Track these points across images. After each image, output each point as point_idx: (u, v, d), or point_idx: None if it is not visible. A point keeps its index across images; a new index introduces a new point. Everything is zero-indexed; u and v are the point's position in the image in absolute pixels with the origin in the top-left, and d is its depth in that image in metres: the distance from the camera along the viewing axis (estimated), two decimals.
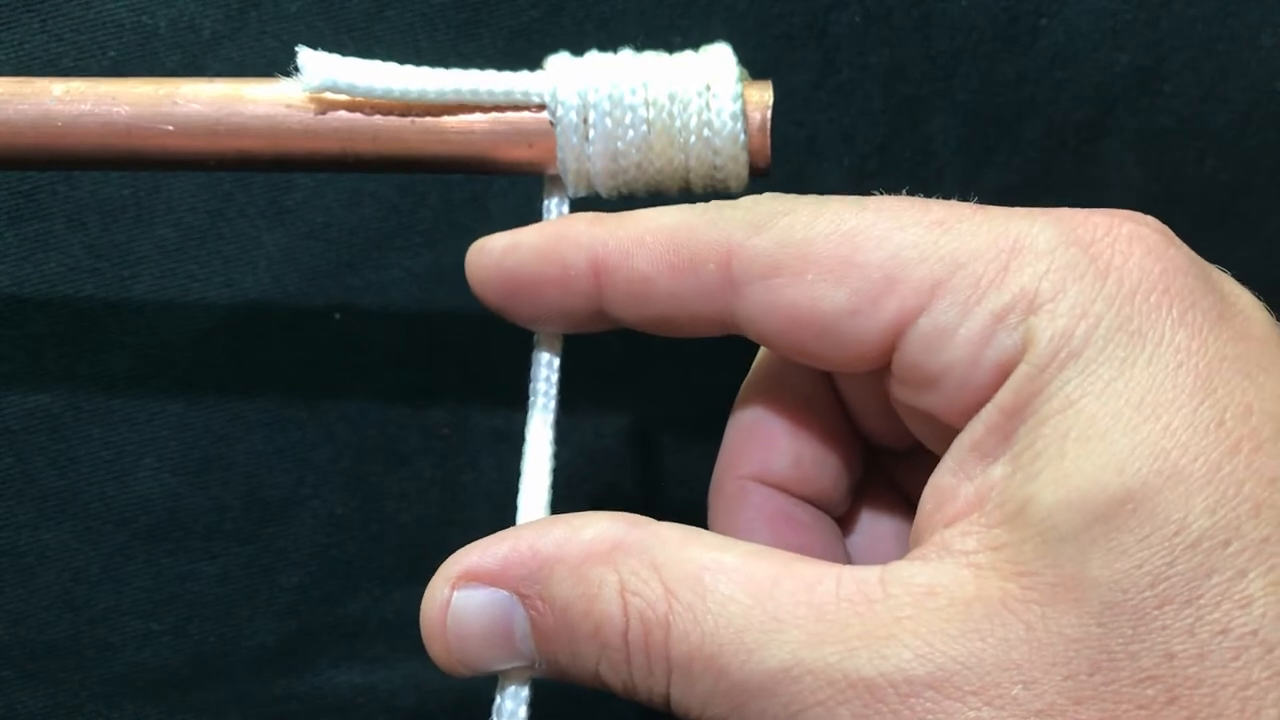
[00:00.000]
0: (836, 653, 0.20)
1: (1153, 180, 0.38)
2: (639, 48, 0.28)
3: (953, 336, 0.22)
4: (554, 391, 0.28)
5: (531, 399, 0.27)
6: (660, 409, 0.41)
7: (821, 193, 0.37)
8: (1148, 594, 0.19)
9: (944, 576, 0.21)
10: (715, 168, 0.27)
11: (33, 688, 0.41)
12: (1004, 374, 0.22)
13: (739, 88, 0.26)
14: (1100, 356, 0.21)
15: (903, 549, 0.28)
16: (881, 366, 0.24)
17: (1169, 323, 0.21)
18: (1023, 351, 0.22)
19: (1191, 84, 0.38)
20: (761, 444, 0.28)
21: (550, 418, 0.27)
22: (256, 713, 0.43)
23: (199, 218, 0.37)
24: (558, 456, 0.27)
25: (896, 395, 0.25)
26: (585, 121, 0.26)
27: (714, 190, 0.27)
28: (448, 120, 0.27)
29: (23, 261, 0.37)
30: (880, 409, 0.27)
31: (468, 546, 0.24)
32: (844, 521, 0.30)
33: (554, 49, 0.29)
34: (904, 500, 0.30)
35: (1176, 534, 0.19)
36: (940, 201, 0.24)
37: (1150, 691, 0.19)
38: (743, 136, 0.26)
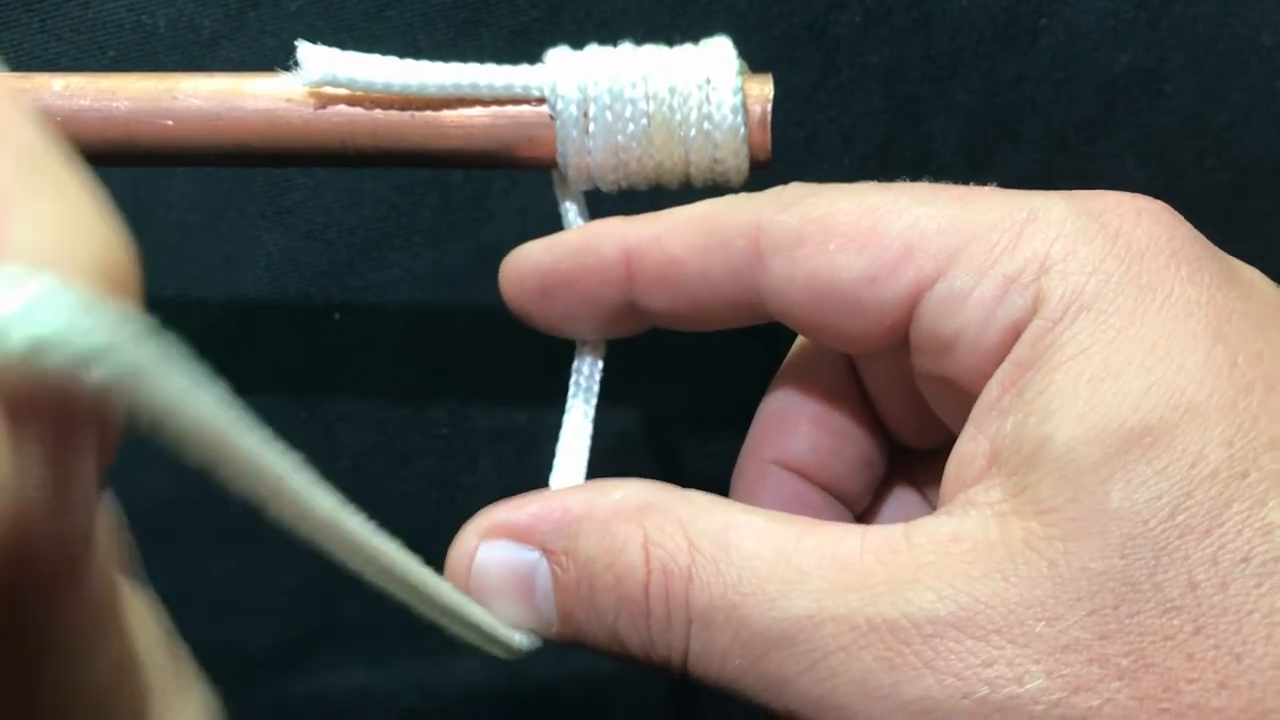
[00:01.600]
0: (860, 599, 0.20)
1: (1153, 180, 0.38)
2: (639, 41, 0.28)
3: (966, 300, 0.23)
4: (594, 398, 0.28)
5: (571, 401, 0.28)
6: (674, 408, 0.41)
7: None
8: (1168, 524, 0.19)
9: (968, 525, 0.21)
10: (716, 161, 0.27)
11: None
12: (1017, 333, 0.22)
13: (739, 81, 0.26)
14: (1111, 308, 0.21)
15: None
16: (899, 342, 0.24)
17: (1178, 280, 0.22)
18: (1035, 310, 0.22)
19: (1191, 84, 0.38)
20: (785, 430, 0.29)
21: (589, 425, 0.28)
22: (257, 713, 0.43)
23: (199, 218, 0.37)
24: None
25: (916, 365, 0.25)
26: (585, 115, 0.26)
27: (714, 183, 0.27)
28: (447, 114, 0.27)
29: None
30: (904, 402, 0.27)
31: (499, 502, 0.25)
32: (863, 519, 0.30)
33: (554, 48, 0.29)
34: (927, 504, 0.30)
35: (1194, 465, 0.20)
36: (961, 186, 0.24)
37: (1175, 621, 0.19)
38: (743, 130, 0.26)
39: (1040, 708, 0.19)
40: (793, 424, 0.28)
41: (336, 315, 0.39)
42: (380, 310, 0.40)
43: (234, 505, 0.43)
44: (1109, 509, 0.20)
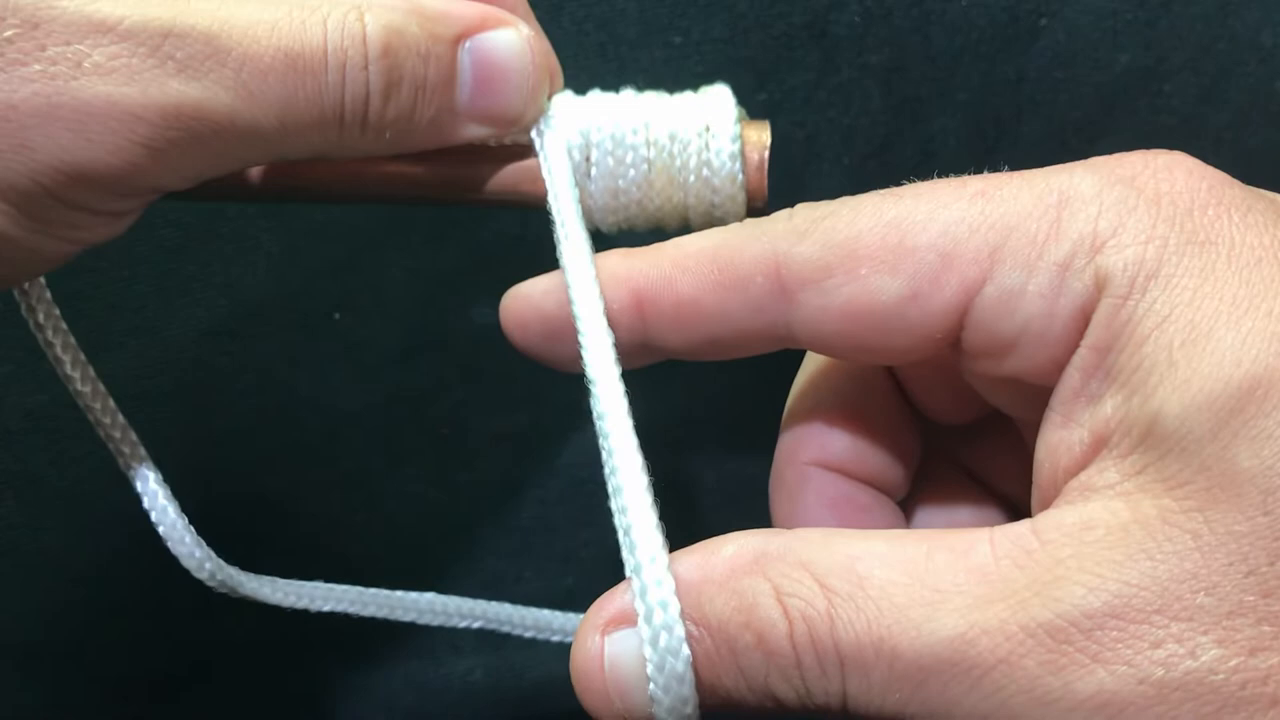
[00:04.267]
0: (1008, 607, 0.20)
1: None
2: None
3: (1022, 296, 0.22)
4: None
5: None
6: (674, 411, 0.41)
7: (821, 192, 0.37)
8: None
9: (1095, 511, 0.21)
10: (714, 205, 0.27)
11: (33, 687, 0.41)
12: (1085, 317, 0.22)
13: (737, 128, 0.27)
14: (1179, 271, 0.21)
15: (974, 522, 0.28)
16: (948, 349, 0.24)
17: (1234, 228, 0.21)
18: (1099, 290, 0.22)
19: (1191, 84, 0.38)
20: (819, 429, 0.28)
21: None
22: (257, 713, 0.43)
23: (199, 218, 0.37)
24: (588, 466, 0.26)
25: (973, 369, 0.24)
26: (588, 159, 0.27)
27: (712, 226, 0.28)
28: (451, 153, 0.27)
29: None
30: (940, 385, 0.27)
31: (604, 594, 0.23)
32: (907, 505, 0.29)
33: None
34: (968, 479, 0.30)
35: None
36: (973, 176, 0.24)
37: None
38: (740, 176, 0.27)
39: (1220, 677, 0.19)
40: (827, 424, 0.28)
41: (336, 315, 0.39)
42: (380, 310, 0.40)
43: (234, 505, 0.43)
44: (1240, 470, 0.19)
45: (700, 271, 0.24)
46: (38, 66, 0.22)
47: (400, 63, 0.25)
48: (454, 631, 0.39)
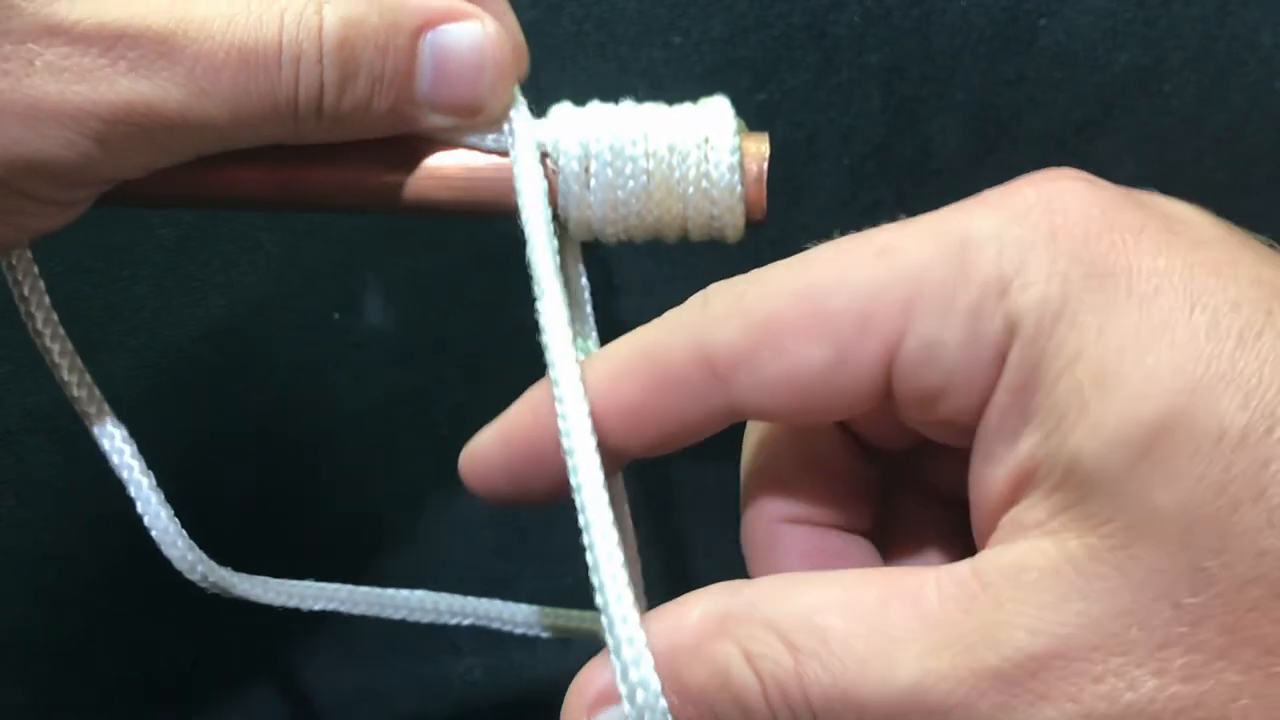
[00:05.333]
0: (958, 653, 0.21)
1: (1152, 180, 0.38)
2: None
3: (941, 346, 0.23)
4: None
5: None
6: None
7: (821, 192, 0.37)
8: (1218, 504, 0.20)
9: (1028, 552, 0.21)
10: (713, 217, 0.27)
11: (33, 687, 0.41)
12: (1002, 360, 0.22)
13: (736, 141, 0.27)
14: (1082, 308, 0.21)
15: (942, 538, 0.29)
16: (884, 401, 0.24)
17: (1130, 254, 0.21)
18: (1010, 333, 0.22)
19: (1190, 84, 0.38)
20: (777, 490, 0.28)
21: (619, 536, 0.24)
22: (257, 713, 0.43)
23: (199, 218, 0.37)
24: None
25: (908, 416, 0.25)
26: (587, 171, 0.27)
27: (711, 237, 0.28)
28: (450, 164, 0.28)
29: None
30: (882, 420, 0.27)
31: (581, 672, 0.24)
32: (878, 533, 0.30)
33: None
34: (931, 494, 0.30)
35: (1221, 438, 0.20)
36: (874, 229, 0.24)
37: (1256, 592, 0.20)
38: (739, 188, 0.27)
39: (1158, 705, 0.20)
40: (784, 483, 0.28)
41: (336, 315, 0.39)
42: (380, 310, 0.40)
43: (234, 505, 0.43)
44: (1158, 508, 0.20)
45: (638, 378, 0.25)
46: None
47: (356, 55, 0.25)
48: (453, 631, 0.39)
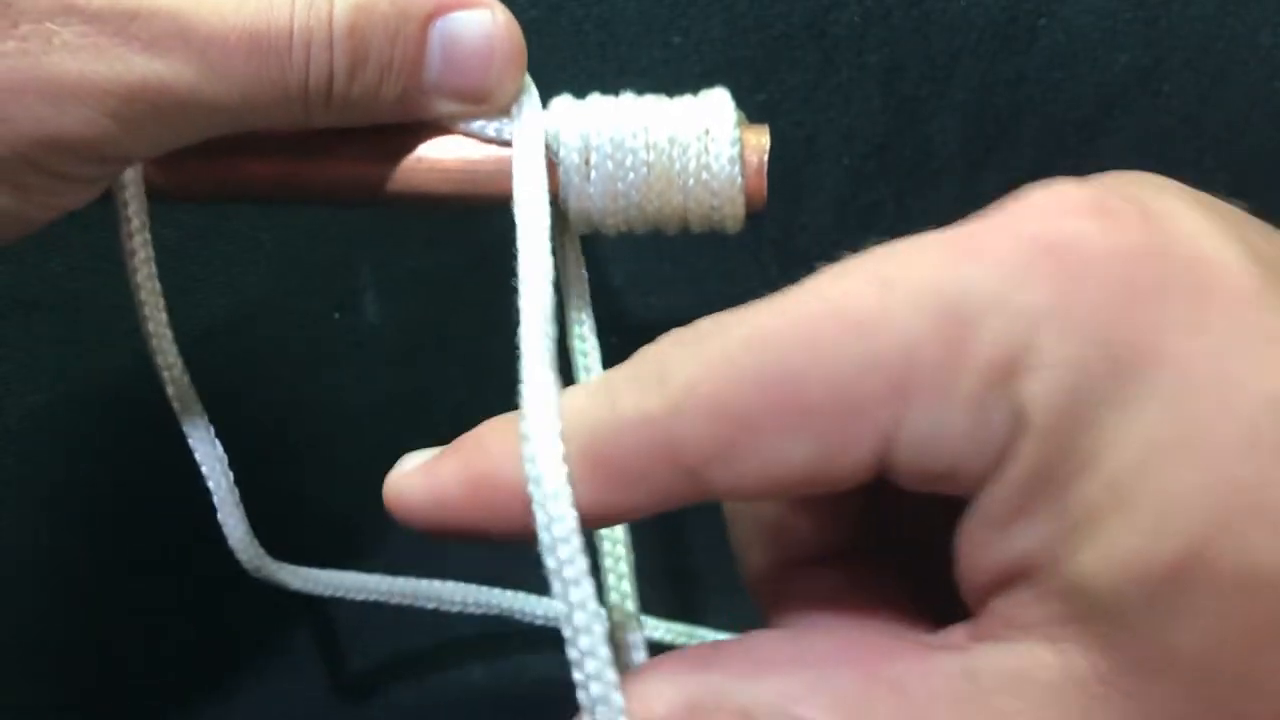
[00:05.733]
0: None
1: None
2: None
3: (940, 440, 0.20)
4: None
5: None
6: None
7: (820, 192, 0.36)
8: (1240, 644, 0.18)
9: (1026, 660, 0.20)
10: (713, 208, 0.27)
11: (33, 687, 0.41)
12: (1008, 443, 0.20)
13: (736, 133, 0.27)
14: (1100, 403, 0.19)
15: (941, 534, 0.28)
16: (879, 470, 0.22)
17: (1152, 330, 0.19)
18: (1020, 424, 0.20)
19: (1190, 84, 0.38)
20: (779, 542, 0.27)
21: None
22: (257, 712, 0.43)
23: (199, 218, 0.37)
24: None
25: (908, 487, 0.22)
26: (587, 162, 0.27)
27: (711, 229, 0.28)
28: (451, 158, 0.28)
29: (23, 261, 0.37)
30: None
31: None
32: (884, 534, 0.29)
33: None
34: (914, 498, 0.29)
35: (1251, 578, 0.18)
36: (847, 293, 0.21)
37: None
38: (739, 180, 0.27)
39: None
40: (782, 533, 0.26)
41: (336, 315, 0.39)
42: (380, 310, 0.40)
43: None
44: (1174, 646, 0.19)
45: (592, 481, 0.22)
46: (12, 43, 0.23)
47: (366, 42, 0.25)
48: (453, 631, 0.39)
